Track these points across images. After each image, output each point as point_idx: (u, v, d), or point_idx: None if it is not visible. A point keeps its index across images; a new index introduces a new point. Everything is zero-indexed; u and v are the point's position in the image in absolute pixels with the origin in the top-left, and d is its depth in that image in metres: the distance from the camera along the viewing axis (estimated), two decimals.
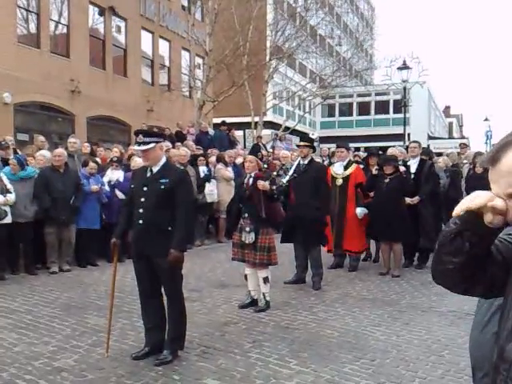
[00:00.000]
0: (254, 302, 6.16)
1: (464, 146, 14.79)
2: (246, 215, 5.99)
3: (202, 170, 11.00)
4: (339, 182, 8.27)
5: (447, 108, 61.76)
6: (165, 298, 4.55)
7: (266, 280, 6.08)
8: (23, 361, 4.44)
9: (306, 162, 7.30)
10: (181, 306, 4.55)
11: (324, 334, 5.22)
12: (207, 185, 10.84)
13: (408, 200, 8.19)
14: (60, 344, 4.87)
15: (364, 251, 8.84)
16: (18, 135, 14.04)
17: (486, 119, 36.42)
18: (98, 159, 9.73)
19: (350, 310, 6.08)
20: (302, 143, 7.50)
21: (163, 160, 4.50)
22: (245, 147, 19.65)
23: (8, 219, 7.56)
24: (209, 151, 12.67)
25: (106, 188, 8.96)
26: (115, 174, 9.15)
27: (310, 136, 7.74)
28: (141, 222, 4.38)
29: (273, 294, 6.41)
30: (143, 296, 4.59)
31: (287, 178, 7.27)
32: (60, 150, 8.71)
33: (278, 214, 6.26)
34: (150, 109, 20.27)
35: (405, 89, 21.94)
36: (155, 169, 4.44)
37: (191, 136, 15.43)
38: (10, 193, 7.58)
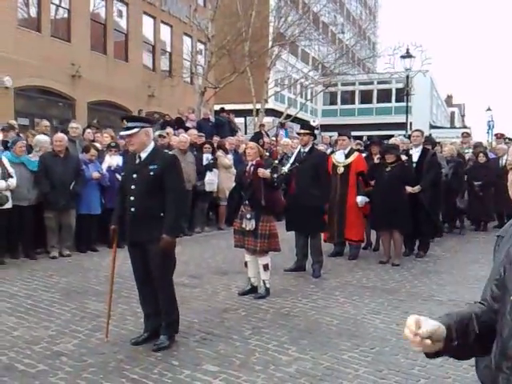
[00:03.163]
0: (253, 289, 6.16)
1: (466, 136, 14.73)
2: (247, 202, 5.97)
3: (206, 157, 10.94)
4: (340, 170, 8.24)
5: (449, 97, 61.56)
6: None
7: (265, 267, 6.06)
8: (22, 345, 4.44)
9: (306, 149, 7.26)
10: (170, 293, 4.53)
11: (323, 322, 5.23)
12: (208, 173, 10.78)
13: (409, 189, 8.17)
14: (59, 328, 4.87)
15: (363, 240, 8.82)
16: (18, 119, 13.98)
17: (489, 109, 36.24)
18: (98, 145, 9.67)
19: (349, 298, 6.09)
20: (302, 131, 7.43)
21: (151, 146, 4.46)
22: (246, 134, 19.60)
23: (9, 204, 7.54)
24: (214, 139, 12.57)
25: (105, 173, 8.92)
26: (114, 160, 9.11)
27: (311, 123, 7.69)
28: (132, 209, 4.38)
29: (273, 282, 6.41)
30: (139, 282, 4.60)
31: (288, 165, 7.21)
32: (61, 135, 8.67)
33: (278, 202, 6.24)
34: (151, 94, 20.19)
35: (407, 77, 21.83)
36: (143, 155, 4.41)
37: (191, 122, 15.34)
38: (12, 177, 7.55)
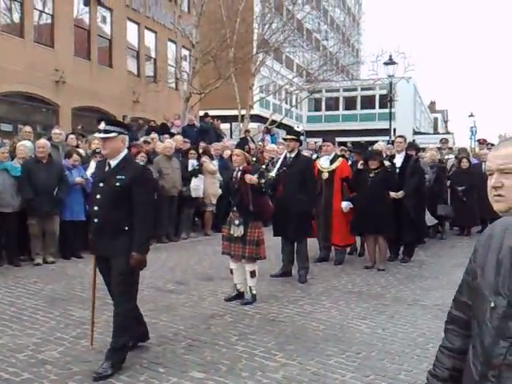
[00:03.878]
0: (239, 295, 6.14)
1: (445, 142, 14.95)
2: (235, 208, 5.96)
3: (192, 163, 10.93)
4: (325, 175, 8.28)
5: (433, 103, 62.15)
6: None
7: (252, 274, 6.06)
8: (6, 353, 4.38)
9: (292, 155, 7.28)
10: (126, 314, 4.13)
11: (310, 327, 5.23)
12: (194, 179, 10.77)
13: (393, 194, 8.23)
14: (44, 336, 4.82)
15: (349, 245, 8.87)
16: (1, 125, 13.86)
17: (471, 115, 36.72)
18: (81, 151, 9.61)
19: (335, 303, 6.10)
20: (288, 137, 7.44)
21: (123, 154, 4.16)
22: (231, 139, 19.59)
23: None
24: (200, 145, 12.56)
25: (89, 178, 8.87)
26: None
27: (295, 129, 7.72)
28: (96, 220, 4.15)
29: (259, 287, 6.40)
30: (111, 295, 4.32)
31: (275, 171, 7.25)
32: (43, 141, 8.59)
33: (266, 208, 6.23)
34: (136, 100, 20.14)
35: (391, 84, 22.04)
36: (113, 163, 4.14)
37: (176, 128, 15.32)
38: None
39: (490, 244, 1.58)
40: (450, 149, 14.84)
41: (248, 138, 16.43)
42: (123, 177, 4.02)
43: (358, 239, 9.13)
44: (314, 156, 11.79)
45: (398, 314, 5.72)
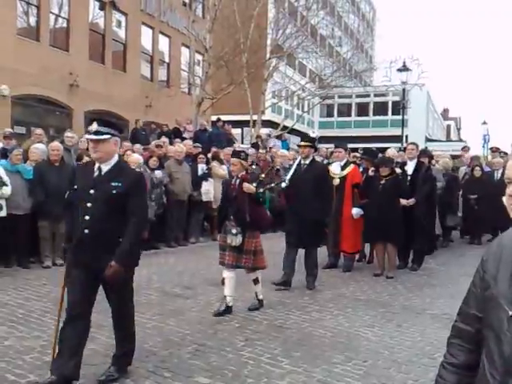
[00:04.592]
0: (228, 310, 5.84)
1: (467, 150, 14.92)
2: (232, 217, 5.80)
3: (201, 167, 10.99)
4: (336, 181, 8.26)
5: (445, 111, 61.79)
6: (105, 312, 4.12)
7: (256, 281, 6.02)
8: (13, 355, 4.41)
9: (307, 161, 7.17)
10: (127, 324, 4.10)
11: (317, 334, 5.21)
12: (204, 183, 10.81)
13: (403, 202, 8.19)
14: (51, 339, 4.83)
15: (358, 252, 8.82)
16: (15, 128, 13.98)
17: (484, 123, 36.45)
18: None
19: (343, 311, 6.07)
20: (303, 143, 7.31)
21: (115, 158, 3.86)
22: (242, 144, 19.62)
23: (3, 213, 7.52)
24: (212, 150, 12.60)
25: None
26: None
27: (311, 135, 7.58)
28: (86, 231, 3.74)
29: (266, 293, 6.40)
30: (69, 311, 3.86)
31: (288, 177, 7.14)
32: (57, 144, 8.67)
33: (263, 218, 6.07)
34: (149, 104, 20.22)
35: (404, 90, 21.94)
36: (105, 168, 3.80)
37: (189, 133, 15.39)
38: (6, 185, 7.55)
39: (501, 255, 1.56)
40: (458, 157, 14.77)
41: (259, 143, 16.47)
42: (120, 183, 3.73)
43: (367, 246, 9.10)
44: (325, 162, 11.78)
45: (406, 322, 5.68)
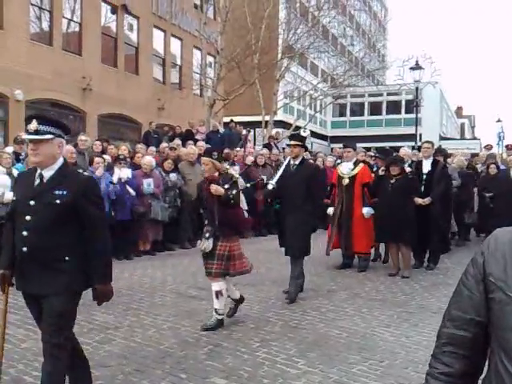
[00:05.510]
0: (221, 322, 5.41)
1: (490, 148, 14.86)
2: (206, 221, 5.47)
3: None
4: (346, 181, 8.22)
5: (459, 109, 61.35)
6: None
7: (218, 294, 5.38)
8: (30, 357, 4.44)
9: (297, 162, 6.68)
10: (58, 370, 3.20)
11: (332, 335, 5.18)
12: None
13: (419, 201, 8.13)
14: None
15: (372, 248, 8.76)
16: None
17: (499, 120, 36.17)
18: (107, 156, 9.74)
19: (358, 311, 6.04)
20: (292, 142, 6.80)
21: (59, 162, 3.23)
22: (254, 145, 19.65)
23: None
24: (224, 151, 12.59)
25: (116, 185, 8.98)
26: (123, 172, 9.18)
27: (301, 133, 6.97)
28: (25, 249, 3.13)
29: (280, 294, 6.39)
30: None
31: (275, 179, 6.73)
32: (71, 147, 8.73)
33: (239, 221, 5.57)
34: (161, 107, 20.31)
35: (417, 89, 21.83)
36: (47, 174, 3.19)
37: (201, 135, 15.42)
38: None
39: (504, 254, 1.52)
40: (477, 155, 14.68)
41: (272, 143, 16.46)
42: (64, 192, 3.13)
43: (381, 246, 9.05)
44: (338, 162, 11.76)
45: (423, 322, 5.63)
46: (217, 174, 5.48)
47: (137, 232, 9.49)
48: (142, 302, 6.26)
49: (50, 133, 3.15)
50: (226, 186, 5.30)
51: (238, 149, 6.30)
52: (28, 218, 3.13)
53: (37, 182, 3.20)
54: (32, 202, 3.14)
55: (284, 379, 4.09)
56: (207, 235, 5.30)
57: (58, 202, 3.11)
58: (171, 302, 6.25)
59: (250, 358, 4.53)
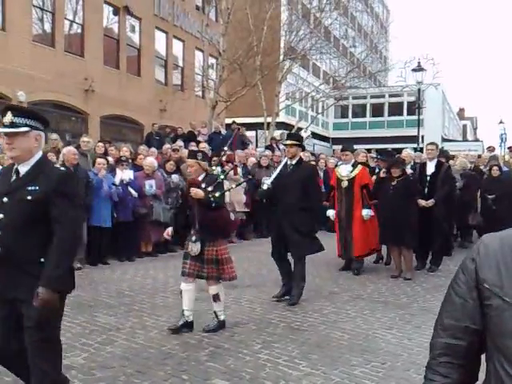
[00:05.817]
0: (188, 325, 5.28)
1: (493, 149, 14.91)
2: (192, 224, 5.35)
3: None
4: (345, 183, 8.20)
5: (461, 110, 61.30)
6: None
7: (215, 298, 5.35)
8: None
9: (293, 162, 6.55)
10: (51, 375, 3.00)
11: (334, 336, 5.18)
12: None
13: (423, 202, 8.12)
14: (69, 342, 4.86)
15: (373, 252, 8.74)
16: None
17: (501, 122, 36.09)
18: (110, 158, 9.74)
19: (360, 313, 6.03)
20: (289, 142, 6.66)
21: (37, 157, 3.03)
22: (257, 147, 19.65)
23: None
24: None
25: (119, 187, 8.99)
26: (126, 173, 9.19)
27: (303, 134, 6.96)
28: None
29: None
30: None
31: (271, 179, 6.65)
32: (73, 149, 8.72)
33: (222, 223, 5.39)
34: (163, 108, 20.33)
35: (419, 90, 21.81)
36: (23, 169, 3.00)
37: (203, 136, 15.43)
38: None
39: (500, 259, 1.49)
40: (479, 157, 14.68)
41: (274, 145, 16.46)
42: (36, 187, 2.92)
43: (384, 247, 9.04)
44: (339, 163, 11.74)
45: (425, 324, 5.61)
46: (204, 175, 5.39)
47: (139, 233, 9.50)
48: (143, 304, 6.25)
49: (26, 125, 2.96)
50: (210, 188, 5.21)
51: (225, 148, 6.28)
52: (1, 216, 2.95)
53: (13, 178, 3.01)
54: (5, 199, 2.96)
55: (286, 381, 4.08)
56: (193, 238, 5.21)
57: (29, 198, 2.91)
58: (173, 304, 6.24)
59: (252, 359, 4.52)
